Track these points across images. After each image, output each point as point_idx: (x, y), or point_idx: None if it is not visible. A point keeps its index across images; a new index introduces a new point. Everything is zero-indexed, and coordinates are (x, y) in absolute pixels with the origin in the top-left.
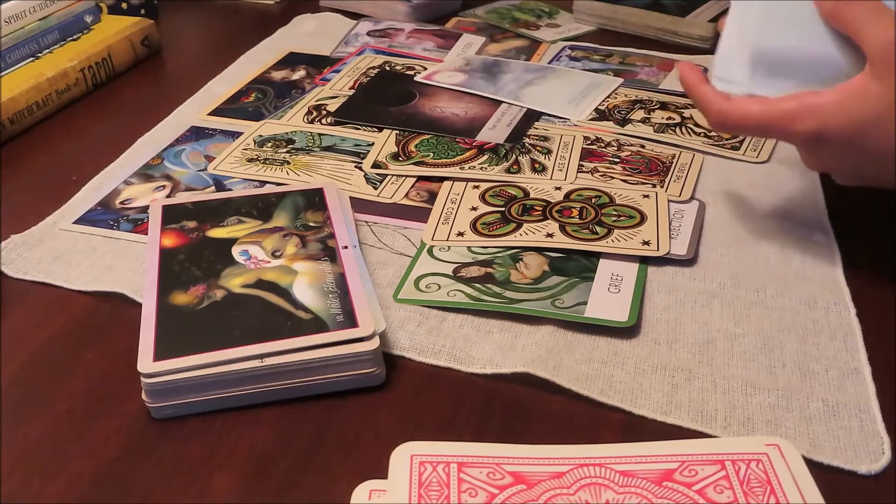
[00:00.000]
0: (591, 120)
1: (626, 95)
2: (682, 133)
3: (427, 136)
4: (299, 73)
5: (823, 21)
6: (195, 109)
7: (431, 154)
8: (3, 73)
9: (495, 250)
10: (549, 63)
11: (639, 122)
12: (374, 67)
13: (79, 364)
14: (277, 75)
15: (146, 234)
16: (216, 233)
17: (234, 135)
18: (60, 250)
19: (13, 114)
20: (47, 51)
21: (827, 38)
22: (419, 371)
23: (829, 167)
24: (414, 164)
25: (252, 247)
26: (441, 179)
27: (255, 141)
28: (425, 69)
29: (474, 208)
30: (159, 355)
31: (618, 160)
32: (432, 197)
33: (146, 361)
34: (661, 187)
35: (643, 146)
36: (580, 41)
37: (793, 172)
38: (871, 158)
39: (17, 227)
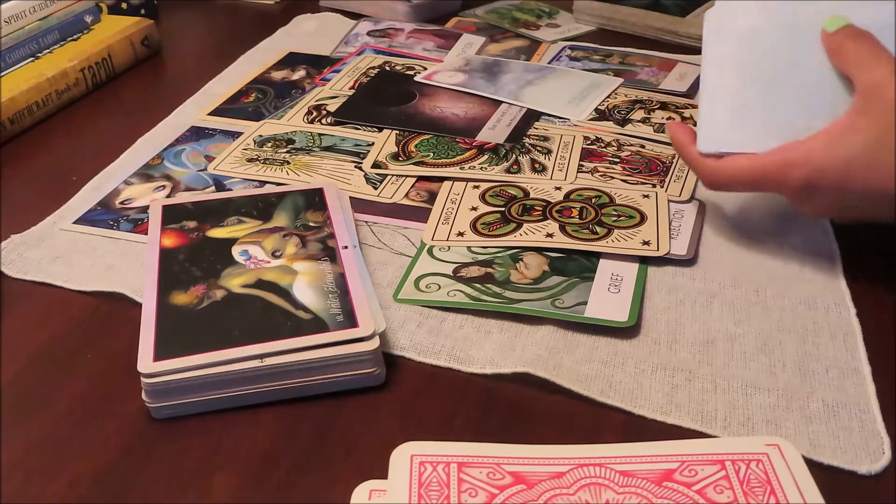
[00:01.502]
0: (591, 120)
1: (626, 95)
2: None
3: (427, 136)
4: (299, 73)
5: (807, 66)
6: (195, 109)
7: (431, 154)
8: (3, 73)
9: (495, 250)
10: (549, 63)
11: (639, 122)
12: (374, 67)
13: (79, 364)
14: (277, 75)
15: (146, 234)
16: (216, 233)
17: (234, 135)
18: (60, 250)
19: (13, 114)
20: (47, 51)
21: (801, 92)
22: (419, 371)
23: (824, 212)
24: (414, 164)
25: (252, 247)
26: (441, 179)
27: (255, 141)
28: (425, 69)
29: (474, 208)
30: (159, 355)
31: (618, 160)
32: (432, 197)
33: (146, 361)
34: (661, 187)
35: (643, 146)
36: (580, 41)
37: None
38: (864, 196)
39: (17, 227)
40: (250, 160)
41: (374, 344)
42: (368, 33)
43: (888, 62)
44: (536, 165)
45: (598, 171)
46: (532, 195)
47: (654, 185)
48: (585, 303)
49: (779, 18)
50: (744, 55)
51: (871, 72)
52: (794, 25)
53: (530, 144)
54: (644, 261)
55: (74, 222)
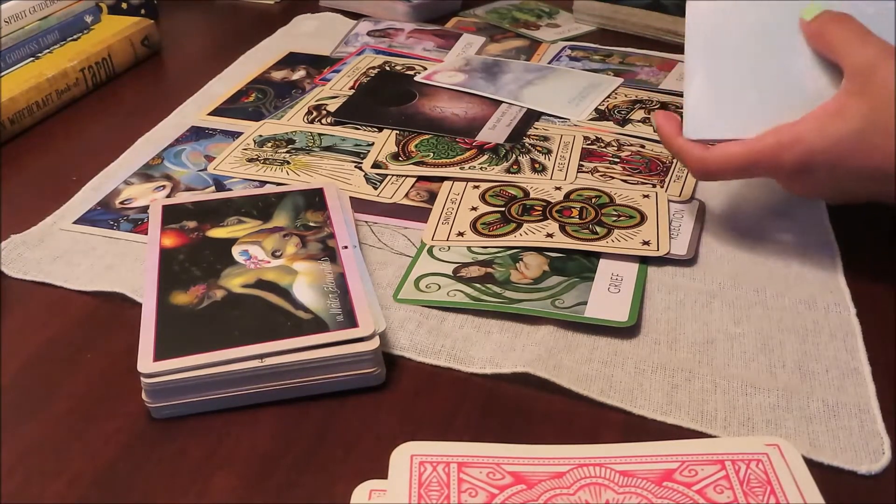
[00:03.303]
0: (591, 120)
1: (626, 95)
2: None
3: (427, 136)
4: (299, 73)
5: (789, 50)
6: (195, 109)
7: (431, 154)
8: (3, 73)
9: (495, 250)
10: (549, 63)
11: (639, 122)
12: (374, 67)
13: (79, 364)
14: (277, 75)
15: (146, 234)
16: (216, 233)
17: (234, 135)
18: (60, 250)
19: (13, 114)
20: (47, 51)
21: (787, 76)
22: (419, 371)
23: (818, 193)
24: (414, 164)
25: (252, 247)
26: (441, 179)
27: (255, 141)
28: (425, 69)
29: (474, 208)
30: (159, 355)
31: (618, 160)
32: (432, 197)
33: (146, 361)
34: (661, 187)
35: (643, 146)
36: (580, 41)
37: None
38: (856, 176)
39: (17, 227)
40: (250, 160)
41: (374, 344)
42: (368, 33)
43: (875, 43)
44: (536, 165)
45: (598, 171)
46: (532, 195)
47: (654, 185)
48: (585, 303)
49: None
50: (728, 39)
51: (858, 53)
52: (779, 7)
53: (530, 144)
54: (644, 261)
55: (74, 222)
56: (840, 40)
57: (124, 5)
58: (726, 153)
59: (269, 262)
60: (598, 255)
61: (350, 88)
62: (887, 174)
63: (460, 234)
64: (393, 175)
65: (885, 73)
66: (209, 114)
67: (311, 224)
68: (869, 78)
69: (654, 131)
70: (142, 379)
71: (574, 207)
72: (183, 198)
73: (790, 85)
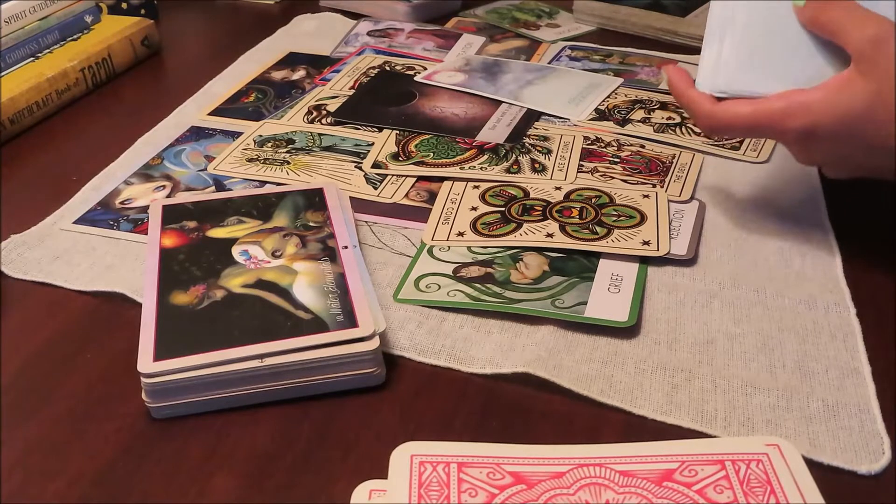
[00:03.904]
0: (591, 120)
1: (626, 95)
2: (682, 133)
3: (427, 136)
4: (299, 73)
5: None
6: (195, 109)
7: (431, 154)
8: (3, 73)
9: (495, 250)
10: (549, 63)
11: (639, 122)
12: (374, 67)
13: (79, 364)
14: (277, 75)
15: (146, 234)
16: (216, 233)
17: (234, 135)
18: (60, 250)
19: (13, 114)
20: (47, 51)
21: (809, 39)
22: (419, 371)
23: (821, 161)
24: (414, 164)
25: (252, 247)
26: (441, 179)
27: (255, 141)
28: (425, 69)
29: (474, 208)
30: (159, 355)
31: (618, 160)
32: (432, 197)
33: (146, 361)
34: (661, 187)
35: (643, 146)
36: (580, 41)
37: (793, 172)
38: (861, 150)
39: (17, 227)
40: (250, 160)
41: (374, 344)
42: (368, 33)
43: (874, 19)
44: (536, 165)
45: (598, 171)
46: (532, 195)
47: (654, 185)
48: (585, 303)
49: None
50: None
51: (863, 30)
52: None
53: (530, 144)
54: (644, 261)
55: (74, 222)
56: (838, 22)
57: (124, 5)
58: (735, 111)
59: (269, 262)
60: (598, 255)
61: (350, 88)
62: (890, 149)
63: (460, 234)
64: (393, 175)
65: (889, 49)
66: (209, 114)
67: (311, 224)
68: (875, 55)
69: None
70: (142, 379)
71: (574, 207)
72: (183, 198)
73: (816, 48)
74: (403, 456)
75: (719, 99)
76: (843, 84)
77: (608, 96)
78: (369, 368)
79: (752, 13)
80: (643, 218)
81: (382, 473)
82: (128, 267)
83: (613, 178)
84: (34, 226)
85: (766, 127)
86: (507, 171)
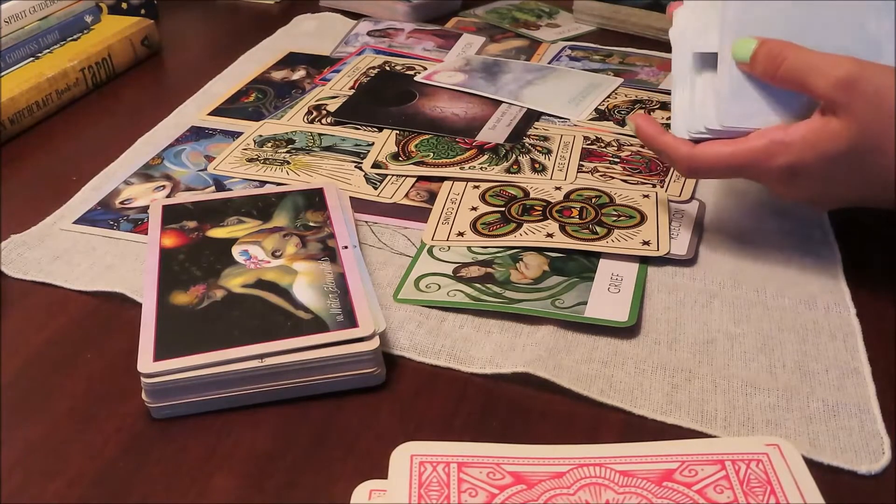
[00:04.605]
0: (591, 120)
1: (626, 95)
2: None
3: (427, 136)
4: (299, 73)
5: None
6: (195, 109)
7: (431, 154)
8: (3, 73)
9: (495, 250)
10: (549, 63)
11: None
12: (374, 67)
13: (79, 364)
14: (277, 75)
15: (146, 234)
16: (216, 233)
17: (234, 135)
18: (60, 250)
19: (13, 114)
20: (47, 51)
21: None
22: (419, 371)
23: (806, 197)
24: (414, 164)
25: (252, 247)
26: (441, 179)
27: (255, 141)
28: (425, 69)
29: (474, 208)
30: (159, 355)
31: (618, 160)
32: (432, 197)
33: (146, 361)
34: (661, 187)
35: (643, 146)
36: (580, 41)
37: None
38: (846, 186)
39: (17, 227)
40: (250, 160)
41: (374, 344)
42: (368, 33)
43: (841, 61)
44: (536, 165)
45: (598, 171)
46: (532, 195)
47: (654, 185)
48: (585, 303)
49: None
50: (741, 30)
51: (827, 77)
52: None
53: (530, 144)
54: (644, 261)
55: (74, 222)
56: (799, 73)
57: (124, 5)
58: (716, 151)
59: (269, 262)
60: (598, 255)
61: (350, 88)
62: (885, 182)
63: (460, 234)
64: (393, 175)
65: (864, 87)
66: (209, 114)
67: (311, 224)
68: (848, 96)
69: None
70: (142, 379)
71: (574, 207)
72: (183, 198)
73: (784, 92)
74: (403, 456)
75: (696, 142)
76: (820, 126)
77: (608, 96)
78: (369, 368)
79: (723, 51)
80: (643, 218)
81: (382, 473)
82: (128, 267)
83: (613, 178)
84: (34, 226)
85: (748, 166)
86: (507, 171)
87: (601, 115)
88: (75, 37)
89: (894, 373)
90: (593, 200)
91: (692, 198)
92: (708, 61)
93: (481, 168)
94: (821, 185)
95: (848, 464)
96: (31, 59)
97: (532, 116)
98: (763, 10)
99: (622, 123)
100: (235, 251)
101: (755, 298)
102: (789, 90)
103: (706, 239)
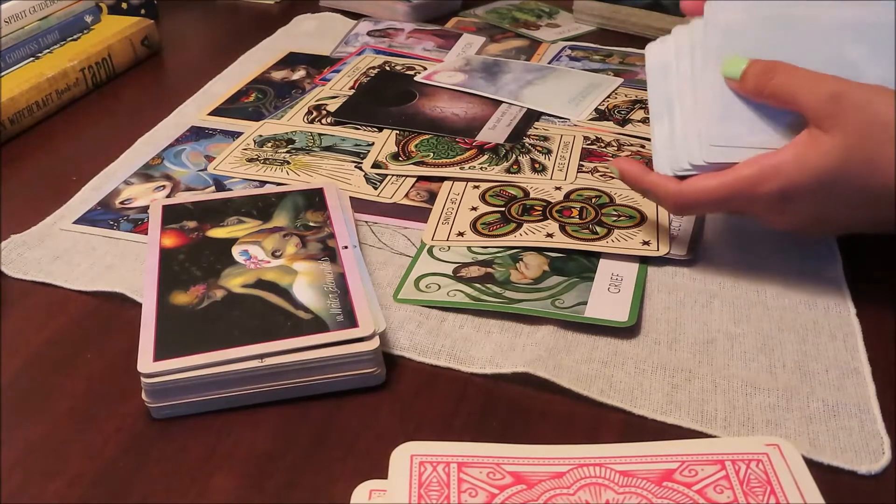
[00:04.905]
0: (591, 120)
1: (626, 95)
2: None
3: (427, 136)
4: (299, 73)
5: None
6: (195, 109)
7: (431, 154)
8: (3, 73)
9: (495, 250)
10: (549, 63)
11: (639, 122)
12: (374, 67)
13: (79, 364)
14: (277, 75)
15: (146, 234)
16: (216, 233)
17: (234, 135)
18: (60, 250)
19: (13, 114)
20: (47, 51)
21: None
22: (419, 371)
23: (800, 223)
24: (414, 164)
25: (252, 247)
26: (441, 179)
27: (255, 141)
28: (425, 69)
29: (474, 208)
30: (159, 355)
31: None
32: (432, 197)
33: (146, 361)
34: None
35: (643, 146)
36: (580, 41)
37: None
38: (840, 206)
39: (17, 227)
40: (250, 160)
41: (374, 344)
42: (368, 33)
43: (828, 79)
44: (536, 165)
45: (598, 171)
46: (532, 195)
47: None
48: (585, 303)
49: (761, 12)
50: (729, 51)
51: (816, 92)
52: (779, 19)
53: (530, 144)
54: (644, 261)
55: (74, 222)
56: (788, 89)
57: (124, 5)
58: (704, 185)
59: (269, 262)
60: (598, 255)
61: (350, 88)
62: (877, 199)
63: (460, 234)
64: (393, 175)
65: (852, 101)
66: (209, 114)
67: (311, 224)
68: (836, 111)
69: (617, 177)
70: (142, 379)
71: (574, 207)
72: (183, 198)
73: (772, 111)
74: (403, 456)
75: (681, 178)
76: (809, 143)
77: (608, 96)
78: (369, 368)
79: (700, 83)
80: (643, 218)
81: (382, 473)
82: (128, 267)
83: (613, 178)
84: (34, 226)
85: (738, 196)
86: (507, 171)
87: (601, 115)
88: (75, 37)
89: (894, 373)
90: (593, 200)
91: None
92: (686, 94)
93: (481, 168)
94: (814, 209)
95: (848, 464)
96: (31, 59)
97: (532, 116)
98: (743, 36)
99: (622, 123)
100: (235, 251)
101: (755, 298)
102: (776, 109)
103: (706, 239)
